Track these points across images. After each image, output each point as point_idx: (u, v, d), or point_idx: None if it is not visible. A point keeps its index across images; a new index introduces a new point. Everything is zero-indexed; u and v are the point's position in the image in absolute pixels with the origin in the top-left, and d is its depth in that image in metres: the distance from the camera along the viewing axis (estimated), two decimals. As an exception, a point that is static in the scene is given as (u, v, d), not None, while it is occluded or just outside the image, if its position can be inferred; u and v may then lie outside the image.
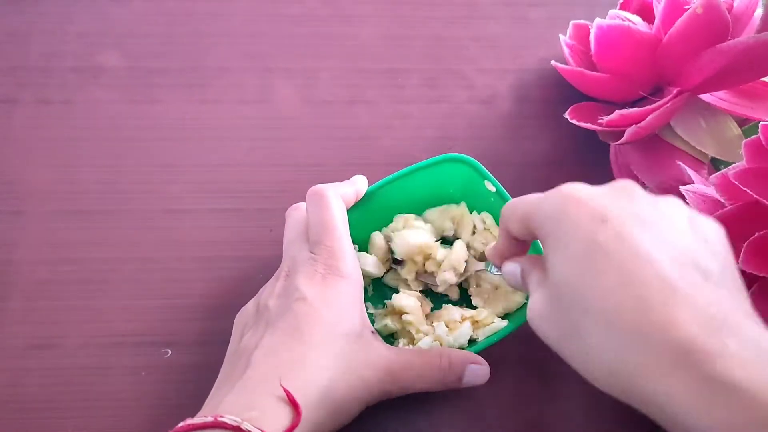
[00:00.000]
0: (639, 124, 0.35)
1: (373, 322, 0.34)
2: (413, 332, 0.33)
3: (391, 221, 0.37)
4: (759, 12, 0.36)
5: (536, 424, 0.34)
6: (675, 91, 0.36)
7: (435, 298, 0.36)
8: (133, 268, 0.37)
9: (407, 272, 0.35)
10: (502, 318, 0.34)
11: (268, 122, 0.42)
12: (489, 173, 0.36)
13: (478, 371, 0.31)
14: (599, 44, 0.38)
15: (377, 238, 0.36)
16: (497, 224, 0.36)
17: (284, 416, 0.25)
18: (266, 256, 0.37)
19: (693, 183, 0.33)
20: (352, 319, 0.30)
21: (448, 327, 0.33)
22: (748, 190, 0.29)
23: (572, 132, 0.40)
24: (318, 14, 0.47)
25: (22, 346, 0.35)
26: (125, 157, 0.41)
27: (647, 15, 0.40)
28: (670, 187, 0.36)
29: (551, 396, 0.35)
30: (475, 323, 0.34)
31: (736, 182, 0.30)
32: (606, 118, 0.37)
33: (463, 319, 0.33)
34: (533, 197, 0.26)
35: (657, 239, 0.21)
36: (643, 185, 0.37)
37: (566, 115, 0.39)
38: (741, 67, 0.34)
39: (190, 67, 0.44)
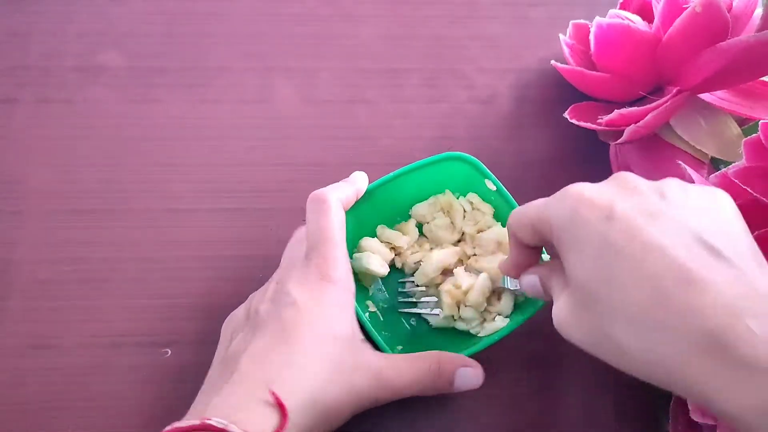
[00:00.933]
0: (638, 124, 0.35)
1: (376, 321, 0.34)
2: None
3: (391, 220, 0.37)
4: (759, 11, 0.36)
5: (536, 424, 0.34)
6: (674, 91, 0.36)
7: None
8: (133, 267, 0.37)
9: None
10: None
11: (268, 122, 0.42)
12: (489, 171, 0.36)
13: (470, 374, 0.31)
14: (599, 43, 0.38)
15: (375, 244, 0.36)
16: (497, 221, 0.36)
17: (271, 419, 0.25)
18: (266, 256, 0.37)
19: (693, 182, 0.33)
20: (342, 325, 0.30)
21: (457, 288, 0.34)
22: (748, 189, 0.29)
23: (572, 132, 0.40)
24: (318, 14, 0.47)
25: (22, 346, 0.35)
26: (125, 156, 0.41)
27: (647, 14, 0.40)
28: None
29: (551, 396, 0.35)
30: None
31: (737, 181, 0.30)
32: (606, 118, 0.37)
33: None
34: (539, 203, 0.26)
35: (664, 228, 0.21)
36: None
37: (566, 114, 0.39)
38: (741, 67, 0.34)
39: (190, 67, 0.44)
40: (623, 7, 0.42)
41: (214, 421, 0.24)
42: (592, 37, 0.38)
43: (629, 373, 0.23)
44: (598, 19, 0.38)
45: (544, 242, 0.26)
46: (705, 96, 0.37)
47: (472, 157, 0.36)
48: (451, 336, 0.34)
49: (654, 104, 0.36)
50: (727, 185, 0.30)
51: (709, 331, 0.19)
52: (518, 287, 0.30)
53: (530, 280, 0.29)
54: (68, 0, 0.45)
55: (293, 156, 0.41)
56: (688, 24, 0.34)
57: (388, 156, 0.41)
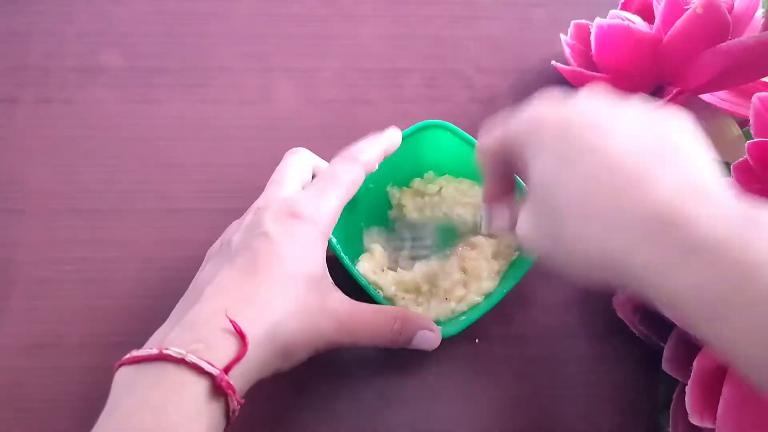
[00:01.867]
0: (639, 125, 0.35)
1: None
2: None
3: (377, 198, 0.38)
4: (760, 12, 0.36)
5: (537, 425, 0.34)
6: (675, 92, 0.36)
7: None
8: (133, 267, 0.37)
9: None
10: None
11: (268, 122, 0.42)
12: (469, 136, 0.36)
13: (429, 336, 0.31)
14: (599, 44, 0.38)
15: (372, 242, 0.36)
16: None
17: (230, 348, 0.25)
18: (266, 256, 0.37)
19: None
20: (312, 264, 0.29)
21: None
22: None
23: (572, 132, 0.40)
24: (318, 14, 0.46)
25: (22, 345, 0.35)
26: (125, 156, 0.41)
27: (648, 15, 0.40)
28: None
29: (551, 396, 0.35)
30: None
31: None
32: (606, 119, 0.37)
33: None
34: (504, 125, 0.27)
35: (618, 133, 0.22)
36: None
37: (566, 115, 0.39)
38: (741, 68, 0.34)
39: (190, 67, 0.44)
40: (624, 7, 0.42)
41: (172, 351, 0.23)
42: (592, 37, 0.38)
43: (577, 279, 0.23)
44: (598, 19, 0.38)
45: (511, 160, 0.27)
46: (706, 97, 0.37)
47: (449, 123, 0.36)
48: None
49: (646, 98, 0.36)
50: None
51: (656, 216, 0.19)
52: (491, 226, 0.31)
53: (499, 216, 0.29)
54: (68, 0, 0.45)
55: (293, 156, 0.41)
56: (688, 25, 0.34)
57: (388, 156, 0.41)
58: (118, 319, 0.36)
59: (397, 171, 0.37)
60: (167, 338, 0.25)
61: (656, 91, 0.39)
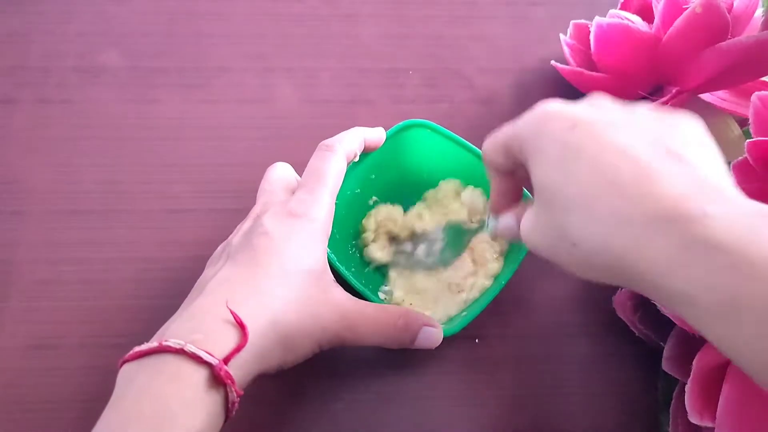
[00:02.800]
0: (639, 124, 0.35)
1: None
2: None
3: (365, 199, 0.38)
4: (759, 12, 0.36)
5: (537, 424, 0.34)
6: (675, 91, 0.36)
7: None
8: (133, 268, 0.37)
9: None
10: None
11: (268, 122, 0.42)
12: (452, 133, 0.36)
13: (432, 334, 0.31)
14: (599, 43, 0.38)
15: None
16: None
17: (230, 339, 0.25)
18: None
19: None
20: (313, 259, 0.29)
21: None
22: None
23: (572, 132, 0.40)
24: (318, 14, 0.47)
25: (22, 346, 0.35)
26: (125, 157, 0.41)
27: (647, 15, 0.40)
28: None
29: (551, 396, 0.35)
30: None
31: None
32: (606, 118, 0.37)
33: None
34: (510, 125, 0.27)
35: (626, 132, 0.22)
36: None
37: (566, 114, 0.39)
38: (741, 67, 0.34)
39: (190, 67, 0.44)
40: (623, 7, 0.42)
41: (172, 342, 0.24)
42: (592, 37, 0.38)
43: (581, 274, 0.23)
44: (598, 19, 0.38)
45: (516, 163, 0.27)
46: (705, 96, 0.37)
47: (430, 122, 0.36)
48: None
49: (654, 105, 0.36)
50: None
51: (664, 213, 0.19)
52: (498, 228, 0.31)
53: (506, 221, 0.29)
54: (68, 0, 0.45)
55: (293, 156, 0.41)
56: (688, 24, 0.34)
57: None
58: (118, 319, 0.36)
59: (384, 172, 0.37)
60: (168, 330, 0.25)
61: (656, 91, 0.39)
